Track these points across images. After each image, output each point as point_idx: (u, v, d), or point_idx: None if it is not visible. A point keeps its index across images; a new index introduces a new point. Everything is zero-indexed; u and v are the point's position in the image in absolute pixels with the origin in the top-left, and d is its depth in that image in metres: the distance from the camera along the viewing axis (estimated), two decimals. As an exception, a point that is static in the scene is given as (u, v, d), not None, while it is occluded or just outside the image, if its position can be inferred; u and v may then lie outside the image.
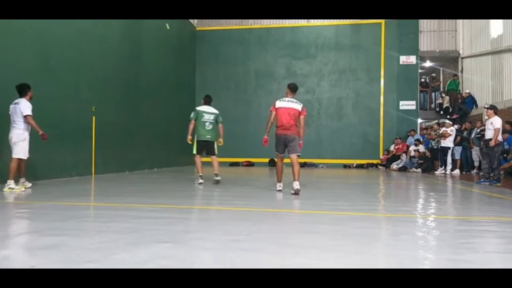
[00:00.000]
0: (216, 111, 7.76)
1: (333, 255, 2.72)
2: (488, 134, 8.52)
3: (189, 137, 7.75)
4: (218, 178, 7.65)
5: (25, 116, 6.12)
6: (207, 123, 7.58)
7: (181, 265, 2.42)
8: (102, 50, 10.16)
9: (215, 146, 7.76)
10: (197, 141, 7.64)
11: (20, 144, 6.15)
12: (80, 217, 4.18)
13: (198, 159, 7.80)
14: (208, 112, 7.65)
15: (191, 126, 7.64)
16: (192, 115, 7.66)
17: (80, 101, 9.13)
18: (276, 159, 6.61)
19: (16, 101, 6.25)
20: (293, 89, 6.46)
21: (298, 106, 6.29)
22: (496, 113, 8.54)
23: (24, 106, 6.14)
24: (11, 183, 6.10)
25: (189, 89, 16.68)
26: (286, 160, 6.43)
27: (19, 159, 6.18)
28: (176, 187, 7.76)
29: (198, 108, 7.73)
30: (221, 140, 7.84)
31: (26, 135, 6.22)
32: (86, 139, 9.43)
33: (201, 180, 7.59)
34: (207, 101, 7.84)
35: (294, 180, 6.11)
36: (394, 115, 16.11)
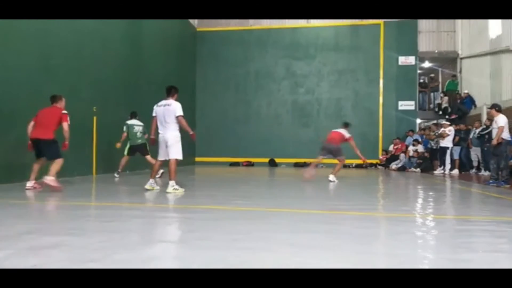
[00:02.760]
0: (142, 123, 9.37)
1: (333, 255, 2.72)
2: (495, 134, 8.18)
3: (118, 144, 9.29)
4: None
5: (177, 117, 6.17)
6: (138, 133, 9.34)
7: (181, 265, 2.43)
8: (103, 50, 10.15)
9: (147, 147, 9.22)
10: (131, 145, 9.33)
11: (177, 145, 6.26)
12: (81, 216, 4.19)
13: (125, 160, 9.39)
14: (137, 124, 9.38)
15: (124, 137, 9.29)
16: (124, 129, 9.26)
17: (81, 101, 9.12)
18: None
19: (163, 102, 6.29)
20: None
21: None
22: (499, 111, 8.27)
23: (176, 107, 6.20)
24: (174, 184, 6.19)
25: (189, 90, 16.66)
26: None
27: (177, 160, 6.31)
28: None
29: (128, 122, 9.34)
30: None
31: (180, 136, 6.31)
32: (87, 139, 9.43)
33: (117, 175, 9.28)
34: (133, 116, 9.48)
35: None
36: (393, 116, 16.13)
